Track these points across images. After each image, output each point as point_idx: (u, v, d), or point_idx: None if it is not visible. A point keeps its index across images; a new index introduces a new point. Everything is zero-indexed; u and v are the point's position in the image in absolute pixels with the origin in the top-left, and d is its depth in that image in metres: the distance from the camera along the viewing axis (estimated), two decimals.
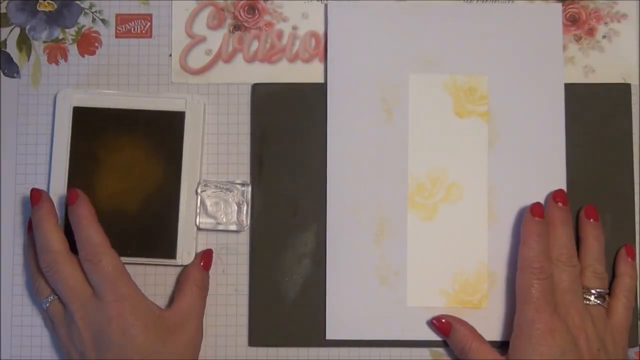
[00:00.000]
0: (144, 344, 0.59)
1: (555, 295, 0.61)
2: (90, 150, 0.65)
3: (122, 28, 0.68)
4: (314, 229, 0.65)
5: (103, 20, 0.68)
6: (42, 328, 0.66)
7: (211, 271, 0.65)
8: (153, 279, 0.66)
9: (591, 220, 0.64)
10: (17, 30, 0.68)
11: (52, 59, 0.68)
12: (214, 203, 0.65)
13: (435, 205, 0.65)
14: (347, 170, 0.66)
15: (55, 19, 0.68)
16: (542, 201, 0.65)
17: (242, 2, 0.68)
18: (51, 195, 0.64)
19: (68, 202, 0.62)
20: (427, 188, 0.66)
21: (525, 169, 0.65)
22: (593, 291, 0.62)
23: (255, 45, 0.68)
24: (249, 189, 0.66)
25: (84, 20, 0.68)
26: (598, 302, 0.62)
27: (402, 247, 0.65)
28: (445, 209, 0.65)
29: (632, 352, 0.65)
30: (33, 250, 0.63)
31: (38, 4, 0.68)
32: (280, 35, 0.68)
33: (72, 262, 0.61)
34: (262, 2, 0.68)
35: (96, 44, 0.68)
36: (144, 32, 0.68)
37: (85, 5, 0.68)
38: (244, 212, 0.65)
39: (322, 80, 0.67)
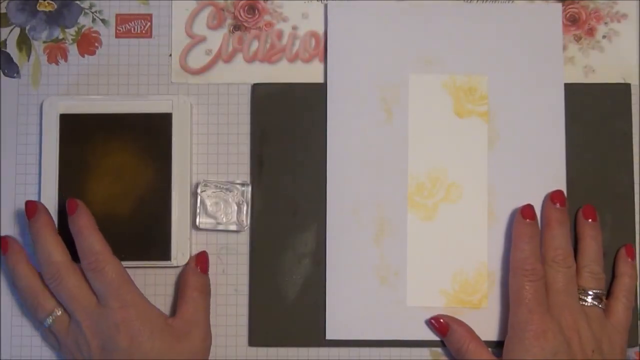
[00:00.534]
0: (152, 349, 0.59)
1: (549, 296, 0.61)
2: (80, 156, 0.65)
3: (122, 28, 0.68)
4: (314, 229, 0.65)
5: (103, 20, 0.68)
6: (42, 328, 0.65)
7: (211, 271, 0.65)
8: (153, 279, 0.66)
9: (589, 220, 0.64)
10: (17, 30, 0.68)
11: (52, 59, 0.68)
12: (214, 203, 0.65)
13: (435, 205, 0.65)
14: (347, 170, 0.66)
15: (55, 19, 0.68)
16: (541, 201, 0.65)
17: (242, 2, 0.68)
18: (42, 202, 0.64)
19: (68, 212, 0.62)
20: (427, 188, 0.66)
21: (525, 169, 0.65)
22: (590, 292, 0.62)
23: (255, 45, 0.68)
24: (249, 189, 0.66)
25: (84, 20, 0.68)
26: (595, 303, 0.61)
27: (402, 247, 0.65)
28: (445, 208, 0.65)
29: (632, 352, 0.65)
30: (26, 267, 0.62)
31: (38, 4, 0.68)
32: (280, 35, 0.68)
33: (75, 271, 0.61)
34: (262, 2, 0.68)
35: (96, 44, 0.68)
36: (144, 32, 0.68)
37: (85, 5, 0.68)
38: (244, 212, 0.65)
39: (322, 80, 0.67)
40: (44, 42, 0.68)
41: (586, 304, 0.61)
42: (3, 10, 0.68)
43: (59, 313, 0.61)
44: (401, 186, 0.65)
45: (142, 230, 0.65)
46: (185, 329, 0.61)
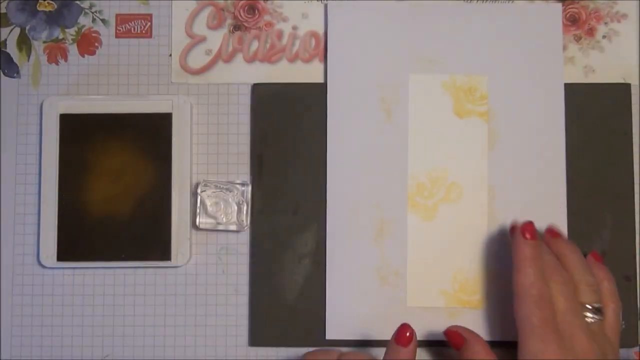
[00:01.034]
0: None
1: (556, 318, 0.57)
2: (80, 156, 0.65)
3: (122, 28, 0.68)
4: (314, 229, 0.65)
5: (103, 20, 0.68)
6: (42, 328, 0.66)
7: (211, 271, 0.66)
8: (153, 279, 0.66)
9: (558, 237, 0.62)
10: (17, 30, 0.68)
11: (52, 59, 0.68)
12: (214, 203, 0.65)
13: (436, 205, 0.65)
14: (347, 170, 0.66)
15: (55, 19, 0.68)
16: (541, 201, 0.65)
17: (242, 2, 0.68)
18: (42, 204, 0.65)
19: (397, 341, 0.57)
20: (427, 188, 0.66)
21: (525, 169, 0.65)
22: (589, 306, 0.59)
23: (255, 45, 0.68)
24: (249, 189, 0.66)
25: (84, 20, 0.68)
26: (597, 317, 0.59)
27: (402, 247, 0.65)
28: (445, 209, 0.65)
29: (632, 352, 0.65)
30: None
31: (38, 4, 0.68)
32: (280, 35, 0.68)
33: None
34: (262, 2, 0.68)
35: (96, 44, 0.68)
36: (144, 32, 0.68)
37: (85, 5, 0.68)
38: (244, 212, 0.65)
39: (322, 80, 0.67)
40: (44, 42, 0.68)
41: (590, 320, 0.59)
42: (3, 10, 0.68)
43: None
44: (401, 186, 0.65)
45: (142, 230, 0.65)
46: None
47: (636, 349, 0.65)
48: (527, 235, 0.59)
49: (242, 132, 0.67)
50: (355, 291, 0.65)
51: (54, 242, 0.65)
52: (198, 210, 0.65)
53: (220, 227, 0.65)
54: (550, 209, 0.65)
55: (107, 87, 0.67)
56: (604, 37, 0.68)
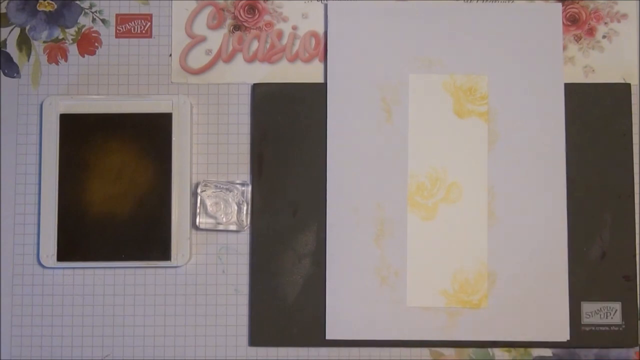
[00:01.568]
0: None
1: None
2: (80, 156, 0.65)
3: (122, 28, 0.68)
4: (314, 229, 0.65)
5: (103, 20, 0.68)
6: (42, 328, 0.66)
7: (211, 271, 0.66)
8: (153, 279, 0.66)
9: None
10: (17, 30, 0.68)
11: (52, 59, 0.68)
12: (214, 203, 0.65)
13: (435, 205, 0.65)
14: (347, 170, 0.66)
15: (55, 19, 0.68)
16: (541, 201, 0.65)
17: (242, 2, 0.68)
18: (42, 204, 0.65)
19: None
20: (427, 188, 0.66)
21: (525, 169, 0.65)
22: None
23: (255, 45, 0.68)
24: (249, 189, 0.66)
25: (84, 20, 0.68)
26: None
27: (402, 247, 0.65)
28: (445, 208, 0.65)
29: (632, 352, 0.65)
30: None
31: (38, 4, 0.68)
32: (280, 35, 0.68)
33: None
34: (262, 2, 0.68)
35: (96, 44, 0.68)
36: (144, 32, 0.68)
37: (85, 5, 0.68)
38: (244, 212, 0.65)
39: (322, 80, 0.67)
40: (44, 42, 0.68)
41: None
42: (3, 10, 0.68)
43: None
44: (401, 186, 0.65)
45: (142, 230, 0.65)
46: None
47: (636, 348, 0.65)
48: None
49: (242, 132, 0.67)
50: (355, 291, 0.65)
51: (54, 242, 0.65)
52: (198, 210, 0.65)
53: (220, 227, 0.65)
54: (550, 209, 0.65)
55: (107, 87, 0.67)
56: (604, 37, 0.68)
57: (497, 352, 0.65)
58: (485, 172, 0.66)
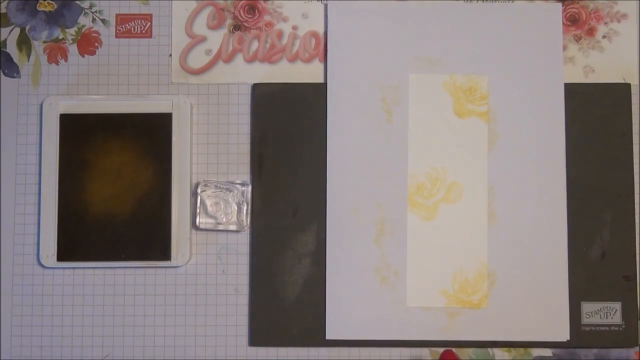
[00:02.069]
0: None
1: None
2: (80, 156, 0.65)
3: (122, 28, 0.68)
4: (314, 229, 0.65)
5: (103, 20, 0.68)
6: (42, 328, 0.66)
7: (211, 271, 0.66)
8: (153, 279, 0.66)
9: None
10: (17, 30, 0.68)
11: (52, 59, 0.68)
12: (214, 203, 0.65)
13: (435, 205, 0.65)
14: (347, 171, 0.66)
15: (55, 19, 0.68)
16: (541, 201, 0.65)
17: (242, 2, 0.68)
18: (42, 204, 0.65)
19: None
20: (427, 188, 0.66)
21: (525, 169, 0.65)
22: None
23: (255, 45, 0.68)
24: (249, 189, 0.66)
25: (84, 20, 0.68)
26: None
27: (402, 247, 0.65)
28: (445, 208, 0.65)
29: (633, 352, 0.65)
30: None
31: (38, 4, 0.68)
32: (280, 35, 0.68)
33: None
34: (262, 2, 0.68)
35: (96, 44, 0.68)
36: (144, 32, 0.68)
37: (85, 5, 0.68)
38: (244, 212, 0.65)
39: (322, 80, 0.67)
40: (44, 42, 0.68)
41: None
42: (3, 10, 0.68)
43: None
44: (401, 186, 0.65)
45: (142, 230, 0.65)
46: None
47: (636, 348, 0.65)
48: None
49: (242, 132, 0.67)
50: (355, 291, 0.65)
51: (54, 242, 0.65)
52: (198, 210, 0.65)
53: (220, 227, 0.65)
54: (550, 209, 0.65)
55: (107, 87, 0.67)
56: (604, 37, 0.68)
57: (497, 352, 0.65)
58: (485, 172, 0.66)
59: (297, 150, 0.66)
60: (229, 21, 0.68)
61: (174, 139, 0.65)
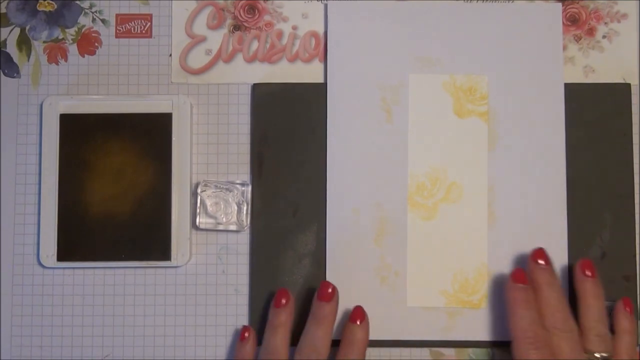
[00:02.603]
0: None
1: None
2: (80, 156, 0.65)
3: (122, 28, 0.68)
4: (314, 229, 0.65)
5: (103, 20, 0.68)
6: (42, 328, 0.66)
7: (211, 271, 0.66)
8: (153, 279, 0.66)
9: (589, 277, 0.60)
10: (17, 30, 0.68)
11: (52, 59, 0.68)
12: (214, 203, 0.65)
13: (436, 205, 0.65)
14: (347, 170, 0.66)
15: (55, 19, 0.68)
16: (541, 202, 0.65)
17: (242, 2, 0.68)
18: (42, 204, 0.65)
19: (274, 303, 0.62)
20: (427, 188, 0.66)
21: (525, 169, 0.65)
22: (597, 355, 0.58)
23: (255, 45, 0.68)
24: (249, 189, 0.66)
25: (84, 20, 0.68)
26: None
27: (402, 247, 0.65)
28: (445, 208, 0.65)
29: None
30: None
31: (38, 4, 0.68)
32: (280, 35, 0.68)
33: None
34: (262, 2, 0.68)
35: (96, 44, 0.68)
36: (144, 32, 0.68)
37: (85, 5, 0.68)
38: (244, 212, 0.65)
39: (322, 80, 0.67)
40: (44, 42, 0.68)
41: None
42: (3, 10, 0.68)
43: None
44: (401, 186, 0.65)
45: (142, 230, 0.65)
46: None
47: (636, 348, 0.65)
48: (518, 280, 0.60)
49: (242, 132, 0.67)
50: (355, 291, 0.65)
51: (54, 242, 0.65)
52: (198, 210, 0.65)
53: (220, 227, 0.65)
54: (550, 209, 0.65)
55: (107, 87, 0.67)
56: (604, 37, 0.68)
57: (497, 352, 0.65)
58: (485, 172, 0.66)
59: (297, 150, 0.66)
60: (229, 21, 0.68)
61: (174, 139, 0.65)
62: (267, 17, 0.68)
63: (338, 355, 0.61)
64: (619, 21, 0.68)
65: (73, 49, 0.68)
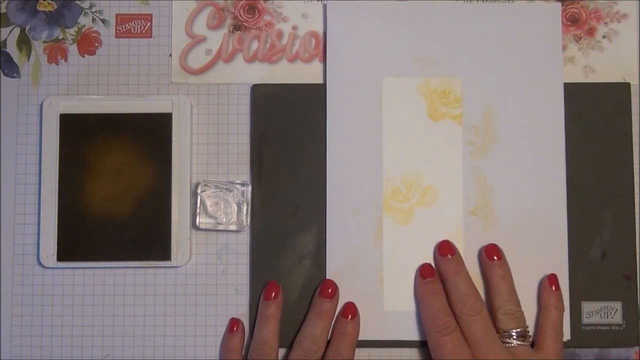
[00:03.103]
0: None
1: (472, 348, 0.60)
2: (80, 156, 0.65)
3: (122, 28, 0.68)
4: (314, 229, 0.65)
5: (103, 20, 0.68)
6: (42, 328, 0.66)
7: (211, 271, 0.66)
8: (153, 279, 0.66)
9: (495, 259, 0.63)
10: (17, 30, 0.68)
11: (52, 59, 0.68)
12: (214, 203, 0.65)
13: (411, 209, 0.65)
14: (347, 170, 0.66)
15: (55, 19, 0.68)
16: (541, 202, 0.65)
17: (242, 2, 0.68)
18: (42, 204, 0.65)
19: (264, 296, 0.63)
20: (402, 192, 0.65)
21: (524, 169, 0.65)
22: (512, 332, 0.61)
23: (255, 45, 0.68)
24: (249, 189, 0.66)
25: (84, 20, 0.68)
26: (519, 342, 0.60)
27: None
28: (421, 212, 0.65)
29: (632, 352, 0.65)
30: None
31: (38, 4, 0.68)
32: (280, 35, 0.68)
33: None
34: (262, 2, 0.68)
35: (96, 44, 0.68)
36: (144, 32, 0.68)
37: (85, 5, 0.68)
38: (244, 212, 0.65)
39: (322, 80, 0.67)
40: (44, 42, 0.68)
41: (511, 344, 0.60)
42: (3, 10, 0.68)
43: None
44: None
45: (142, 230, 0.65)
46: None
47: (636, 348, 0.65)
48: (425, 275, 0.63)
49: (242, 132, 0.67)
50: (355, 291, 0.65)
51: (54, 242, 0.65)
52: (198, 210, 0.65)
53: (220, 227, 0.65)
54: (550, 209, 0.65)
55: (107, 87, 0.67)
56: (604, 37, 0.68)
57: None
58: (460, 175, 0.65)
59: (297, 150, 0.66)
60: (229, 21, 0.68)
61: (174, 139, 0.65)
62: (267, 17, 0.68)
63: (329, 349, 0.62)
64: (619, 21, 0.68)
65: (73, 49, 0.68)
